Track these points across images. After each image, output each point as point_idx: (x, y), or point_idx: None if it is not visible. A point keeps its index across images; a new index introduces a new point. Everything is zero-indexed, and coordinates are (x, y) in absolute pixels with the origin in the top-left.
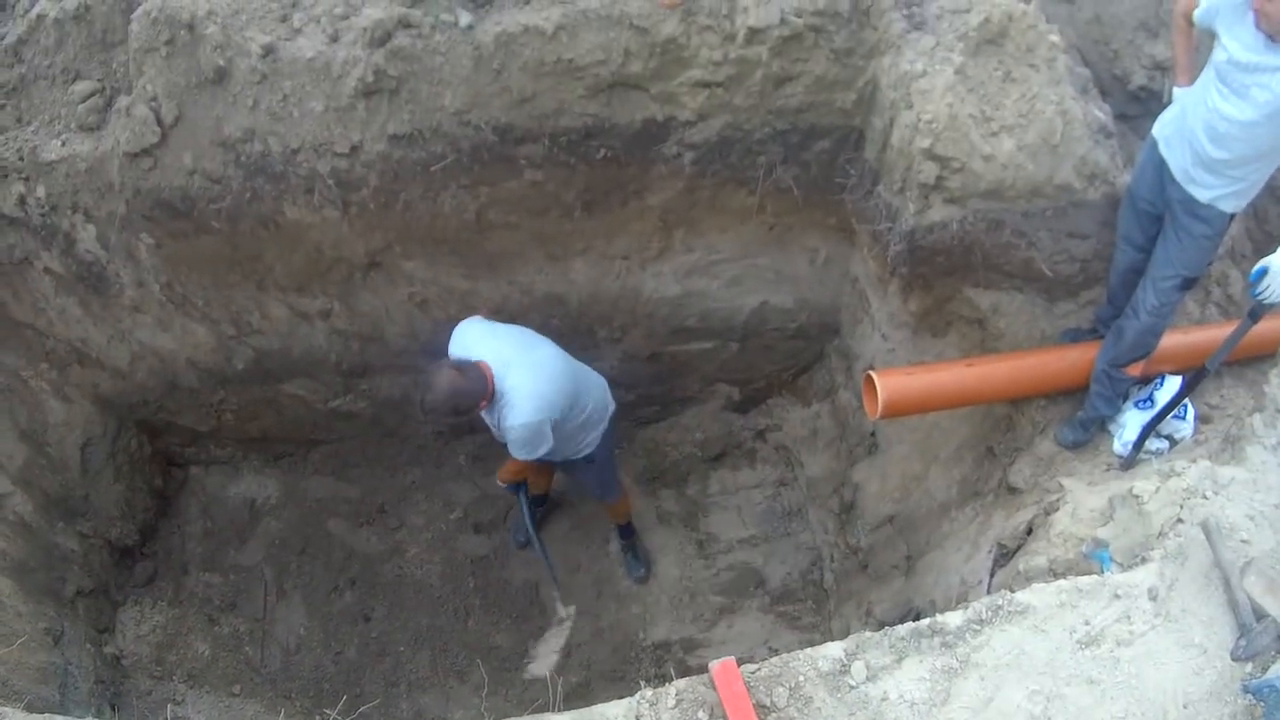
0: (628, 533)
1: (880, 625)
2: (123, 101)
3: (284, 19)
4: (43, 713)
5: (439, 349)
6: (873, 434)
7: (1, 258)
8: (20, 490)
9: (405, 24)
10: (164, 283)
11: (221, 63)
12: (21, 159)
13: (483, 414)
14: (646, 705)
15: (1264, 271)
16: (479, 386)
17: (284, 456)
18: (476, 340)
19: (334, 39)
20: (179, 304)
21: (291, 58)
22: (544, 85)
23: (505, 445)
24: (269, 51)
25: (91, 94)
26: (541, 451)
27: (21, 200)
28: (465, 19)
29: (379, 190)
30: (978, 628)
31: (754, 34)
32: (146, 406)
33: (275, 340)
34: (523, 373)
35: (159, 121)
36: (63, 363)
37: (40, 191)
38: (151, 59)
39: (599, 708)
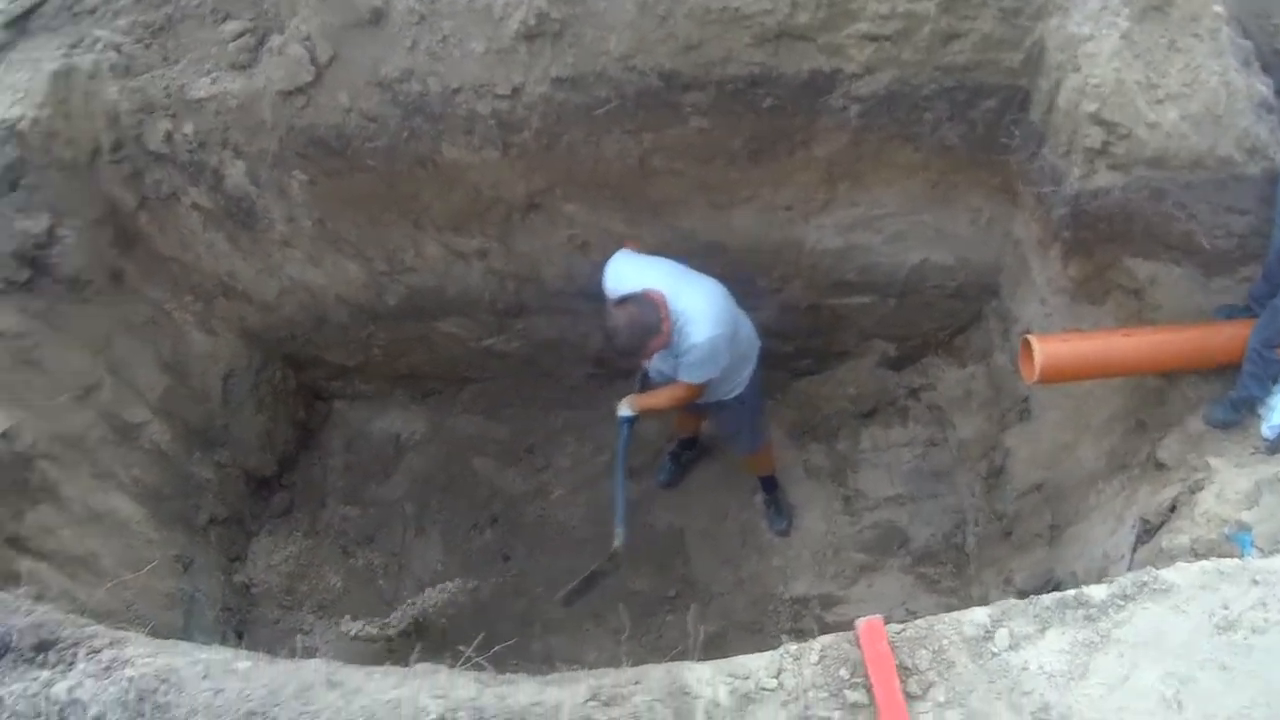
0: (770, 485)
1: (1020, 594)
2: (275, 41)
3: None
4: (167, 638)
5: (596, 291)
6: (1026, 399)
7: (148, 193)
8: (158, 419)
9: None
10: (316, 219)
11: (378, 3)
12: (169, 96)
13: (654, 357)
14: (790, 659)
15: None
16: (655, 312)
17: (432, 394)
18: (635, 272)
19: None
20: (331, 240)
21: None
22: (710, 33)
23: (663, 381)
24: None
25: (242, 33)
26: (716, 372)
27: (168, 137)
28: None
29: (540, 132)
30: (1121, 603)
31: None
32: (293, 340)
33: (429, 278)
34: (692, 293)
35: (313, 61)
36: (208, 296)
37: (188, 128)
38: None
39: (742, 659)
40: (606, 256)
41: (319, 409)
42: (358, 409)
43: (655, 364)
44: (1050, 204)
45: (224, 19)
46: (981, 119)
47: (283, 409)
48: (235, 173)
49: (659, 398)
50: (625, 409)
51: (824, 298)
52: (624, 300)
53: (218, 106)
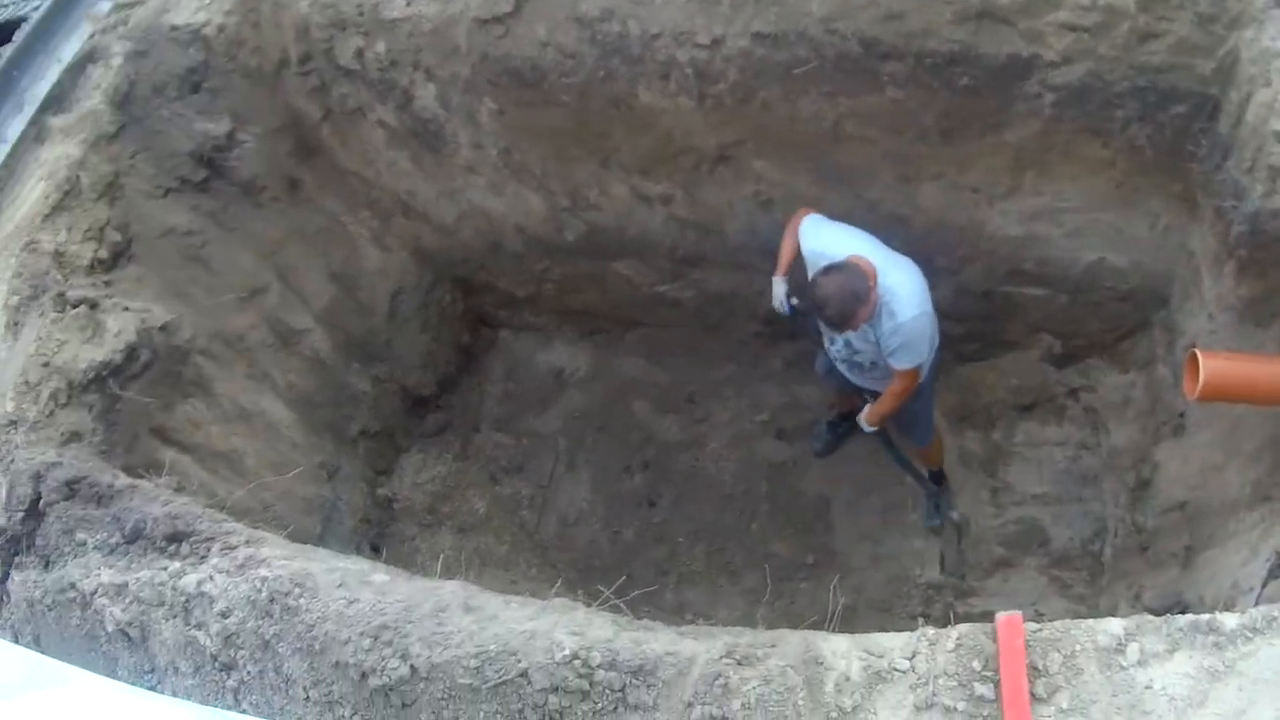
0: (938, 479)
1: (1147, 611)
2: None
3: None
4: (304, 543)
5: (772, 248)
6: (1182, 415)
7: (333, 106)
8: (321, 328)
9: None
10: (502, 148)
11: None
12: (361, 14)
13: (854, 333)
14: (926, 644)
15: None
16: (865, 282)
17: (599, 332)
18: (838, 238)
19: None
20: (515, 170)
21: None
22: (912, 4)
23: (868, 372)
24: None
25: None
26: (925, 354)
27: (359, 53)
28: None
29: (737, 86)
30: (1250, 635)
31: None
32: (466, 265)
33: (611, 218)
34: (898, 270)
35: None
36: (386, 213)
37: (380, 47)
38: None
39: (878, 636)
40: (790, 215)
41: (484, 335)
42: (523, 339)
43: (851, 340)
44: (1229, 219)
45: None
46: (1170, 123)
47: (447, 331)
48: (425, 95)
49: (886, 403)
50: (868, 426)
51: (999, 285)
52: (831, 268)
53: (412, 28)
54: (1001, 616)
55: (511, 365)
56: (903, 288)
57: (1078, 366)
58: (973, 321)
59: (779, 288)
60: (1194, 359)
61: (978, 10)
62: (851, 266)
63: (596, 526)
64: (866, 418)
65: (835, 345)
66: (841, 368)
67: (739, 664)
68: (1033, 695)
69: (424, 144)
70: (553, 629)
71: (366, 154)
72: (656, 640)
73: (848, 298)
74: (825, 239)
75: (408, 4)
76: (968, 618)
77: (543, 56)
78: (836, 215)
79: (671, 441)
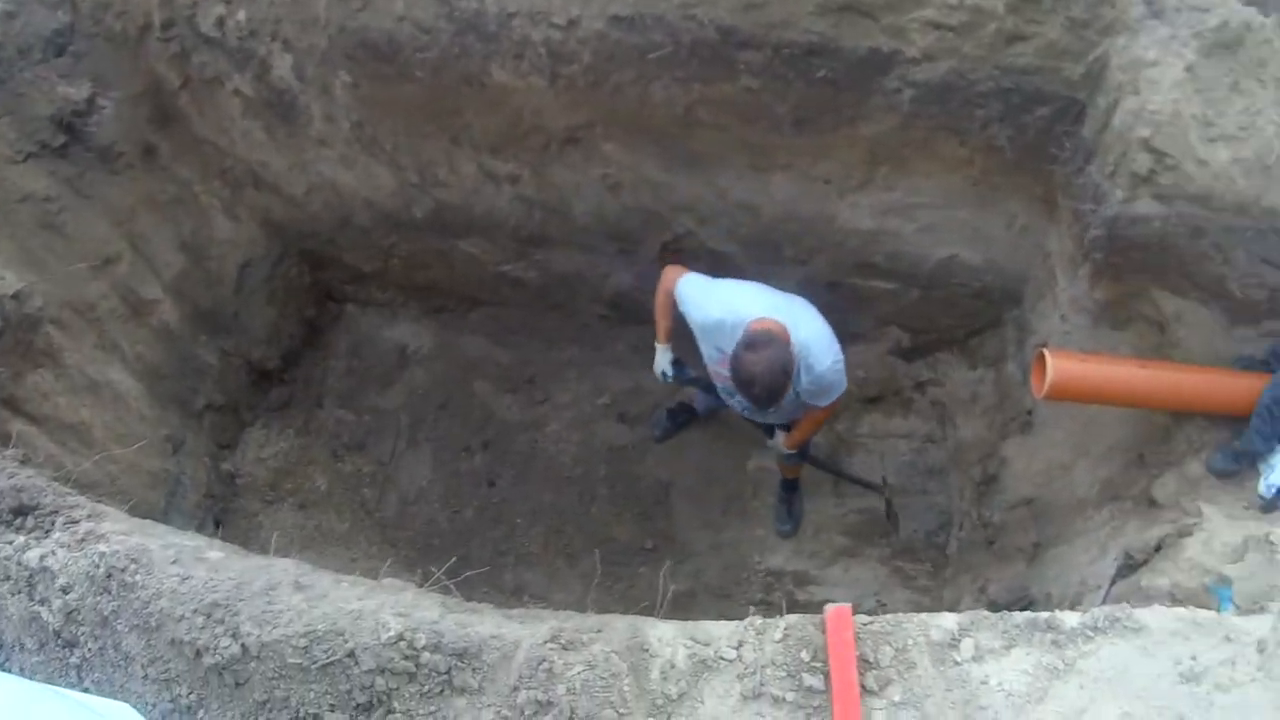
0: (792, 486)
1: (992, 605)
2: None
3: None
4: (146, 517)
5: (624, 234)
6: (1030, 412)
7: (193, 74)
8: (170, 299)
9: None
10: (355, 122)
11: None
12: None
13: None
14: (753, 633)
15: None
16: (787, 350)
17: (444, 310)
18: (728, 298)
19: None
20: (366, 145)
21: None
22: None
23: (775, 415)
24: None
25: None
26: (845, 385)
27: (220, 21)
28: None
29: (590, 68)
30: (1091, 634)
31: None
32: (315, 238)
33: (458, 195)
34: (803, 318)
35: None
36: (238, 183)
37: (241, 15)
38: None
39: (706, 624)
40: (637, 201)
41: (329, 309)
42: (368, 315)
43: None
44: (1088, 222)
45: None
46: (1033, 125)
47: (293, 305)
48: (282, 65)
49: (807, 429)
50: (787, 450)
51: (848, 277)
52: (752, 345)
53: None
54: (830, 608)
55: (356, 341)
56: (815, 339)
57: (926, 360)
58: (820, 311)
59: (664, 356)
60: (1042, 358)
61: (841, 3)
62: (770, 338)
63: (436, 505)
64: (786, 444)
65: (725, 370)
66: (744, 413)
67: (564, 648)
68: (863, 688)
69: (278, 115)
70: (380, 609)
71: (222, 123)
72: (482, 623)
73: (777, 375)
74: (715, 303)
75: None
76: (808, 606)
77: (399, 30)
78: (685, 201)
79: (512, 422)
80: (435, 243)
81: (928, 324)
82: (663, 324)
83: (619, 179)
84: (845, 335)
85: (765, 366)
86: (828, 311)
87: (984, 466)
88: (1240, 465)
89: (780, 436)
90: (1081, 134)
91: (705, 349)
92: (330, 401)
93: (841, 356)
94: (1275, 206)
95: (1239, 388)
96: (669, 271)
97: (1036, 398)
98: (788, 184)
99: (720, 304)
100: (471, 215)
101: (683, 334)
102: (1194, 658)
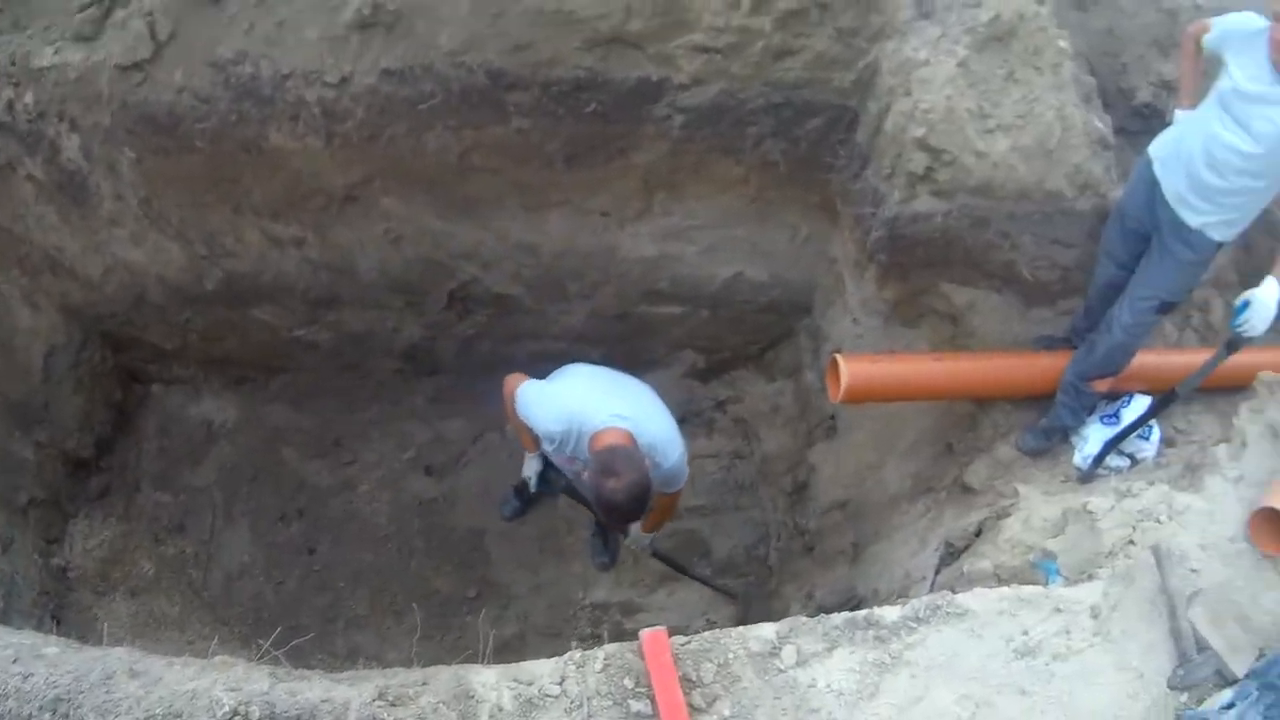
0: (604, 530)
1: (820, 609)
2: (120, 14)
3: None
4: None
5: (409, 287)
6: (832, 417)
7: None
8: None
9: None
10: (142, 198)
11: None
12: (14, 64)
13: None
14: (574, 667)
15: (1247, 305)
16: (642, 463)
17: (245, 381)
18: (573, 402)
19: None
20: (154, 220)
21: None
22: (541, 33)
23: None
24: None
25: (90, 4)
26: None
27: (10, 105)
28: None
29: (364, 124)
30: (914, 625)
31: (760, 4)
32: (113, 320)
33: (246, 264)
34: (647, 415)
35: (153, 36)
36: (35, 270)
37: (29, 98)
38: None
39: (527, 664)
40: (418, 253)
41: (136, 391)
42: (173, 394)
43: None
44: (869, 225)
45: None
46: (806, 137)
47: (100, 390)
48: (70, 146)
49: (659, 515)
50: (646, 540)
51: (635, 306)
52: (607, 468)
53: (58, 77)
54: (645, 633)
55: (164, 421)
56: (661, 437)
57: (724, 379)
58: (611, 344)
59: (532, 464)
60: (835, 363)
61: (608, 36)
62: (625, 458)
63: (260, 579)
64: (644, 529)
65: (571, 466)
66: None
67: (392, 704)
68: (692, 706)
69: (70, 197)
70: (212, 687)
71: (16, 210)
72: (312, 689)
73: (639, 496)
74: (554, 415)
75: (56, 52)
76: (638, 635)
77: (179, 102)
78: (467, 248)
79: (323, 486)
80: (228, 314)
81: (720, 343)
82: (524, 435)
83: (400, 232)
84: (639, 362)
85: (626, 494)
86: (619, 342)
87: (793, 476)
88: (1051, 442)
89: (636, 529)
90: (856, 140)
91: (551, 452)
92: (147, 484)
93: (684, 445)
94: (1059, 189)
95: (1040, 368)
96: (508, 382)
97: (835, 402)
98: (565, 221)
99: (559, 416)
100: (260, 282)
101: None
102: (1025, 633)
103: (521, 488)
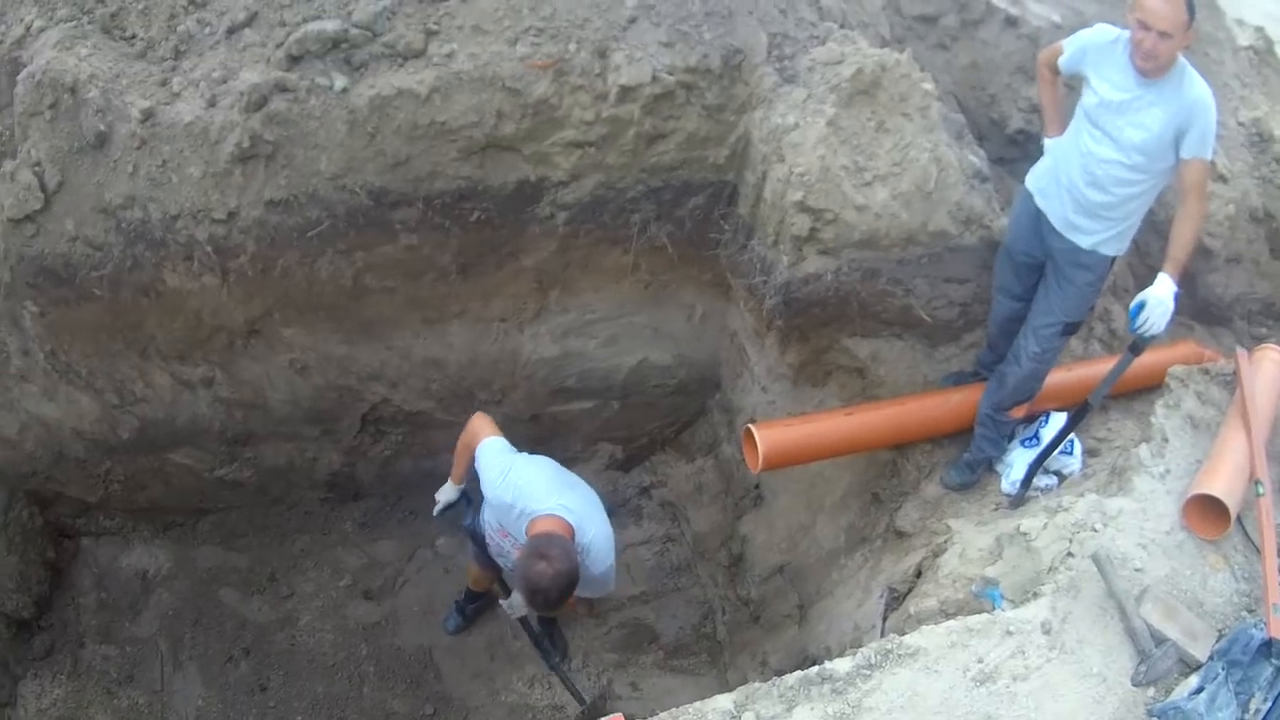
0: (546, 620)
1: (776, 674)
2: (8, 166)
3: (164, 83)
4: None
5: (322, 415)
6: (757, 486)
7: None
8: None
9: (281, 88)
10: (48, 351)
11: (103, 127)
12: None
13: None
14: None
15: (1142, 305)
16: (574, 558)
17: (173, 526)
18: (529, 483)
19: (212, 103)
20: (63, 373)
21: (170, 122)
22: (418, 148)
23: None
24: (148, 116)
25: None
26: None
27: None
28: (340, 82)
29: (256, 257)
30: (868, 672)
31: (626, 92)
32: (35, 477)
33: (159, 409)
34: (593, 520)
35: (42, 187)
36: None
37: None
38: (36, 123)
39: None
40: (327, 380)
41: (67, 547)
42: (103, 546)
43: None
44: (761, 294)
45: None
46: (689, 216)
47: (33, 548)
48: None
49: (571, 612)
50: (521, 610)
51: (545, 406)
52: (541, 551)
53: None
54: None
55: (99, 574)
56: (598, 544)
57: (644, 465)
58: (528, 445)
59: (448, 492)
60: (749, 434)
61: (482, 143)
62: (561, 548)
63: None
64: (522, 607)
65: (503, 542)
66: (504, 565)
67: None
68: None
69: None
70: None
71: None
72: None
73: (564, 588)
74: (508, 485)
75: None
76: None
77: (73, 252)
78: (372, 370)
79: (265, 623)
80: (148, 460)
81: (636, 431)
82: (459, 468)
83: (305, 361)
84: (558, 458)
85: (552, 581)
86: (536, 443)
87: (728, 549)
88: (976, 474)
89: (518, 598)
90: (738, 212)
91: (488, 514)
92: (90, 639)
93: (614, 557)
94: (943, 228)
95: (953, 405)
96: (476, 421)
97: (755, 472)
98: (465, 330)
99: (513, 488)
100: (175, 426)
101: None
102: (980, 660)
103: (462, 601)
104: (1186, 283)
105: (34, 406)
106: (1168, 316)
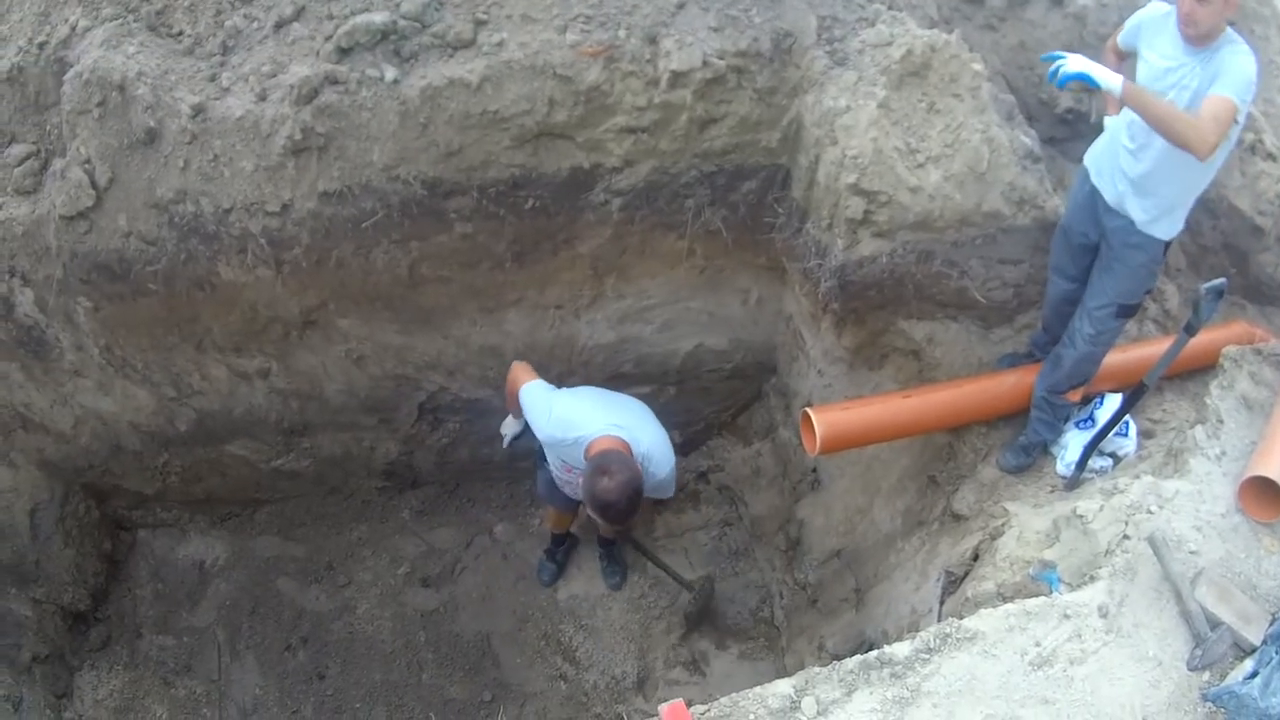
0: (609, 543)
1: (833, 659)
2: (58, 164)
3: (213, 78)
4: None
5: (379, 405)
6: (814, 470)
7: None
8: None
9: (332, 80)
10: (103, 346)
11: (152, 123)
12: None
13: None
14: None
15: (1054, 57)
16: (634, 466)
17: (230, 517)
18: (570, 413)
19: (262, 97)
20: (119, 367)
21: (221, 117)
22: (470, 138)
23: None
24: (198, 111)
25: (27, 157)
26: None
27: None
28: (391, 73)
29: (311, 248)
30: (926, 656)
31: (677, 78)
32: (92, 470)
33: (215, 401)
34: (642, 428)
35: (93, 184)
36: (6, 428)
37: None
38: (84, 121)
39: None
40: (384, 369)
41: (124, 539)
42: (160, 537)
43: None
44: (817, 277)
45: (9, 142)
46: (744, 200)
47: (89, 541)
48: (24, 301)
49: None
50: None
51: None
52: (602, 467)
53: (4, 233)
54: (664, 707)
55: (155, 565)
56: (655, 449)
57: (701, 450)
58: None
59: (513, 425)
60: (807, 418)
61: (535, 131)
62: (619, 461)
63: (275, 710)
64: (616, 535)
65: (570, 476)
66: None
67: None
68: None
69: (30, 352)
70: None
71: None
72: None
73: (632, 497)
74: (554, 420)
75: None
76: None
77: (127, 247)
78: (430, 359)
79: (323, 612)
80: (204, 452)
81: (693, 415)
82: (513, 407)
83: (361, 351)
84: None
85: (619, 493)
86: None
87: (785, 533)
88: (1031, 457)
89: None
90: (792, 196)
91: (549, 456)
92: (148, 630)
93: (674, 458)
94: (997, 209)
95: (1008, 386)
96: (515, 370)
97: (813, 456)
98: (522, 318)
99: (559, 422)
100: (231, 418)
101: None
102: (1038, 644)
103: (552, 548)
104: (1238, 261)
105: (89, 401)
106: (1083, 67)
